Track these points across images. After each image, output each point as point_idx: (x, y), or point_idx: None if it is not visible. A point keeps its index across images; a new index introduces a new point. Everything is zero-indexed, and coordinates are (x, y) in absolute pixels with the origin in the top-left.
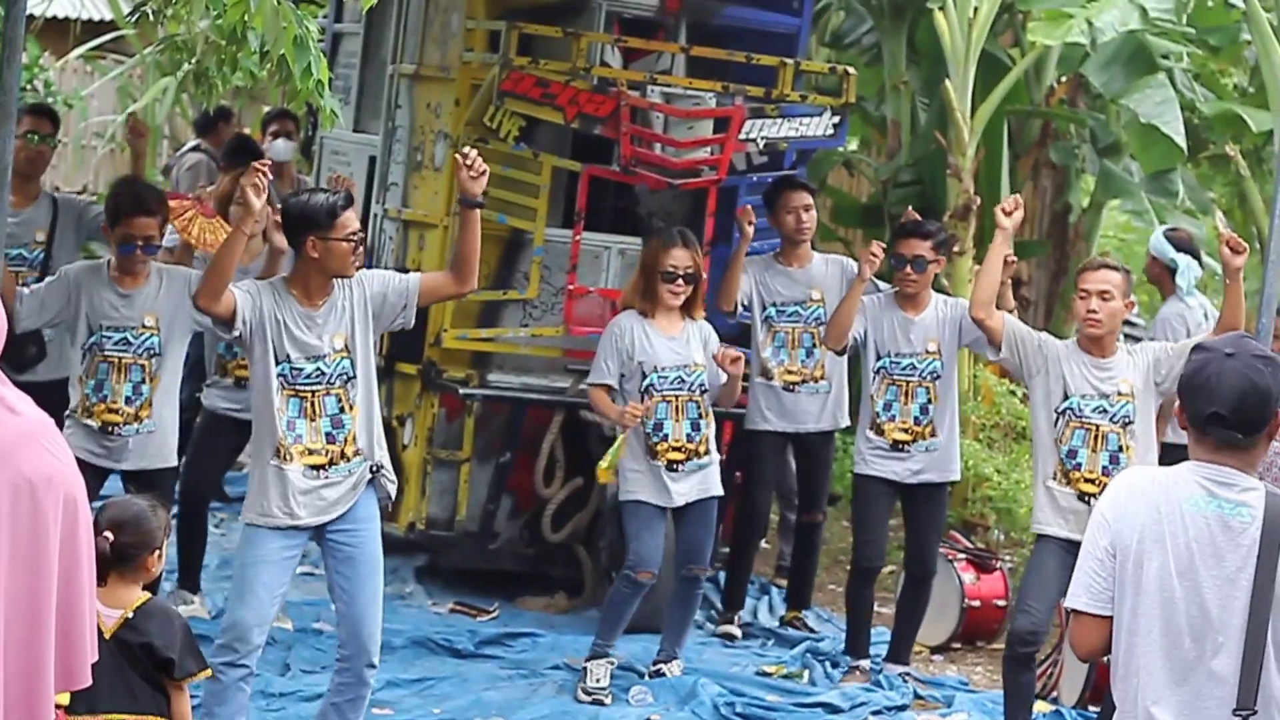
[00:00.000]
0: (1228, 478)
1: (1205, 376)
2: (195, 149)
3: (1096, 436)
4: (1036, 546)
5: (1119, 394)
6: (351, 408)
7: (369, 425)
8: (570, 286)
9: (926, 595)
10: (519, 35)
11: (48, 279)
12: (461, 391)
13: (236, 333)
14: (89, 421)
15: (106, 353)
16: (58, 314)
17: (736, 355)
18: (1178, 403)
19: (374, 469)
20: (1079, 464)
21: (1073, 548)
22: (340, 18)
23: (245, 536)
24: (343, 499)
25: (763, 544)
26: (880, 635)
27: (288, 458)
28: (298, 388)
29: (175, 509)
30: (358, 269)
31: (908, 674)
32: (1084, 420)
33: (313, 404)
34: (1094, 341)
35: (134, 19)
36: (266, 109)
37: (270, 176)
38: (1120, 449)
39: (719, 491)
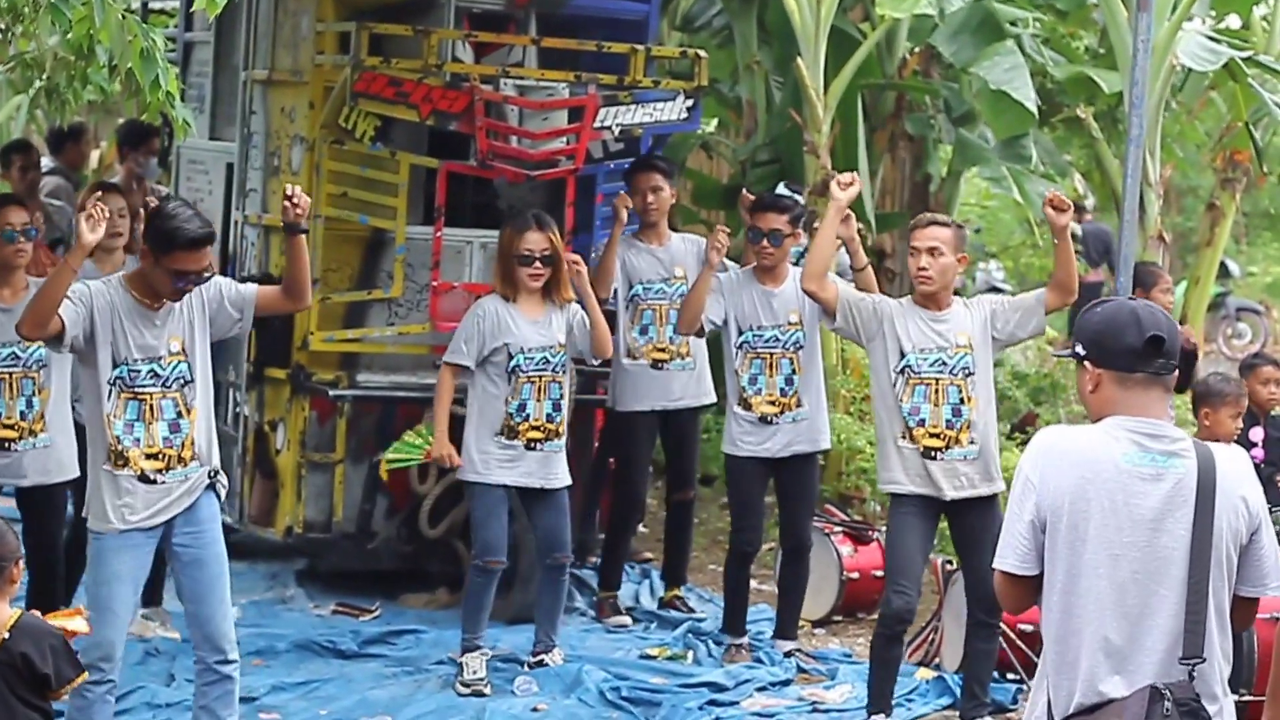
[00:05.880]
0: (1156, 429)
1: (1129, 312)
2: (52, 172)
3: (936, 391)
4: (892, 512)
5: (957, 345)
6: (189, 411)
7: (207, 430)
8: (434, 283)
9: (806, 568)
10: (369, 35)
11: None
12: (331, 393)
13: (66, 348)
14: None
15: None
16: None
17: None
18: (1088, 361)
19: (211, 474)
20: (923, 420)
21: (925, 504)
22: (190, 27)
23: (95, 553)
24: (177, 501)
25: (641, 528)
26: (761, 613)
27: (121, 462)
28: (135, 390)
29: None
30: (182, 298)
31: (797, 649)
32: (922, 377)
33: (150, 407)
34: (928, 297)
35: None
36: (121, 120)
37: (105, 213)
38: (962, 400)
39: (568, 481)
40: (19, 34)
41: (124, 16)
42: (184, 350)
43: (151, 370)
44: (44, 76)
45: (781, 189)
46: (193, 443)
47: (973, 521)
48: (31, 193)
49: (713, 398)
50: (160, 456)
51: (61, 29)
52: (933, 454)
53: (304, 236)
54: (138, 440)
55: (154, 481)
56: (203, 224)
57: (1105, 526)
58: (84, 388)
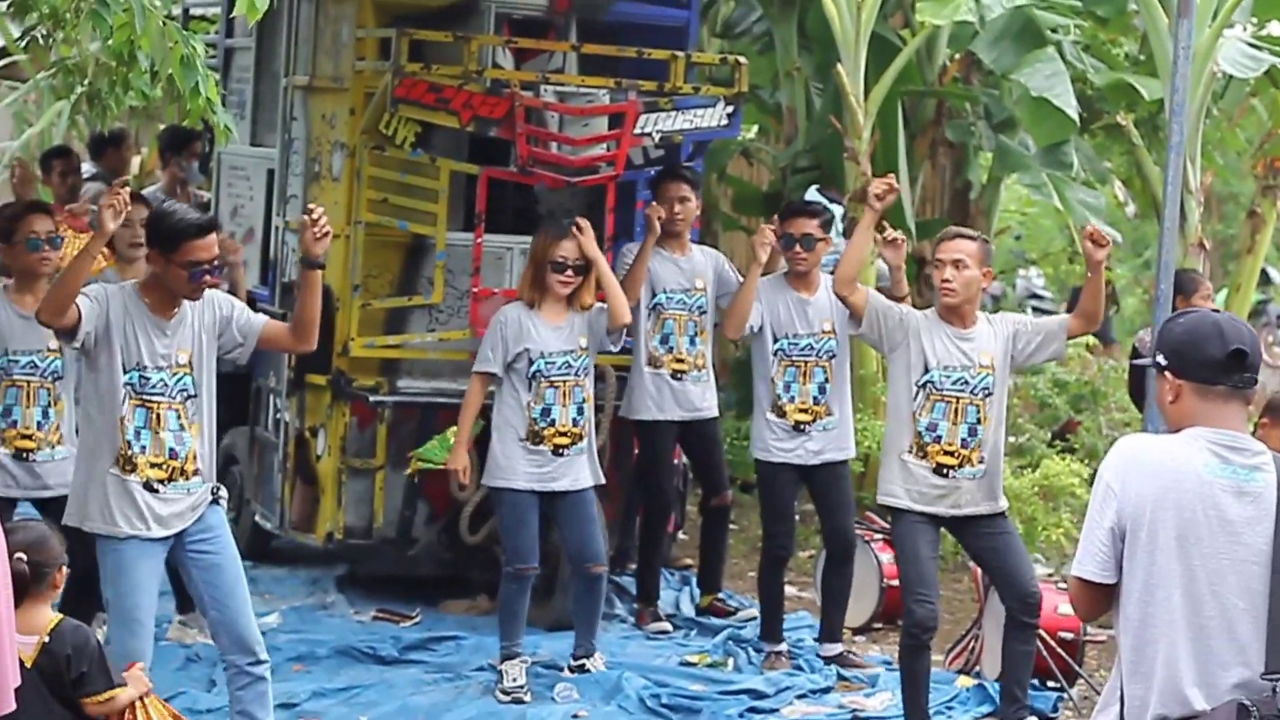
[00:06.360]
0: (1237, 442)
1: (1212, 324)
2: (93, 177)
3: (956, 409)
4: (896, 526)
5: (980, 365)
6: (190, 425)
7: (210, 447)
8: (475, 289)
9: (850, 571)
10: (409, 42)
11: None
12: (372, 399)
13: (79, 342)
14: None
15: (14, 377)
16: None
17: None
18: (1169, 372)
19: (214, 490)
20: (939, 436)
21: (930, 521)
22: (231, 33)
23: (110, 564)
24: (180, 516)
25: (681, 535)
26: (801, 620)
27: (129, 467)
28: (145, 397)
29: None
30: (201, 294)
31: (848, 653)
32: (944, 394)
33: (158, 415)
34: (952, 311)
35: (24, 44)
36: (163, 127)
37: (127, 203)
38: (978, 420)
39: (594, 482)
40: (60, 40)
41: (164, 23)
42: (190, 364)
43: (161, 379)
44: (85, 82)
45: (812, 193)
46: (195, 457)
47: (985, 531)
48: (72, 198)
49: (717, 411)
50: (164, 467)
51: (103, 35)
52: (945, 471)
53: (320, 273)
54: (145, 447)
55: (156, 491)
56: (202, 213)
57: (1185, 537)
58: (93, 392)
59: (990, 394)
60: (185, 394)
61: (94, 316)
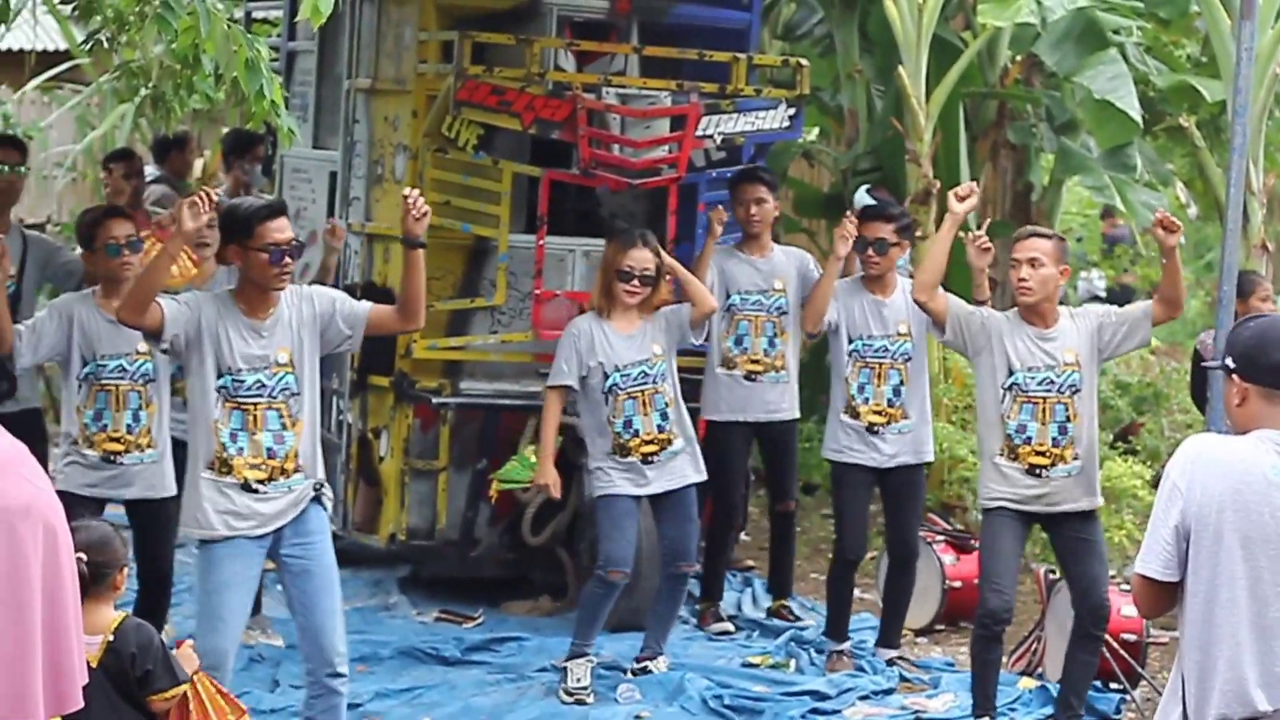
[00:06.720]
0: None
1: None
2: (157, 180)
3: (1044, 409)
4: (987, 519)
5: (1065, 364)
6: (294, 424)
7: (312, 443)
8: (537, 291)
9: (912, 577)
10: (472, 44)
11: (39, 313)
12: (435, 401)
13: (165, 344)
14: (89, 452)
15: (103, 381)
16: (53, 347)
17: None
18: (1237, 375)
19: (317, 486)
20: (1029, 438)
21: (1023, 517)
22: (294, 36)
23: (203, 561)
24: (282, 513)
25: (743, 536)
26: (864, 621)
27: (225, 469)
28: (240, 400)
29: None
30: (286, 279)
31: (901, 658)
32: (1030, 395)
33: (255, 417)
34: (1032, 310)
35: (88, 47)
36: (226, 130)
37: (214, 201)
38: (1068, 419)
39: (696, 478)
40: (124, 43)
41: (229, 26)
42: (291, 362)
43: (258, 380)
44: (149, 85)
45: (861, 195)
46: (297, 455)
47: (1074, 534)
48: (135, 201)
49: (798, 414)
50: (263, 467)
51: (167, 38)
52: (1037, 471)
53: (422, 252)
54: (241, 449)
55: (256, 491)
56: (268, 199)
57: (1251, 539)
58: (189, 394)
59: (1078, 390)
60: (288, 392)
61: (180, 320)
